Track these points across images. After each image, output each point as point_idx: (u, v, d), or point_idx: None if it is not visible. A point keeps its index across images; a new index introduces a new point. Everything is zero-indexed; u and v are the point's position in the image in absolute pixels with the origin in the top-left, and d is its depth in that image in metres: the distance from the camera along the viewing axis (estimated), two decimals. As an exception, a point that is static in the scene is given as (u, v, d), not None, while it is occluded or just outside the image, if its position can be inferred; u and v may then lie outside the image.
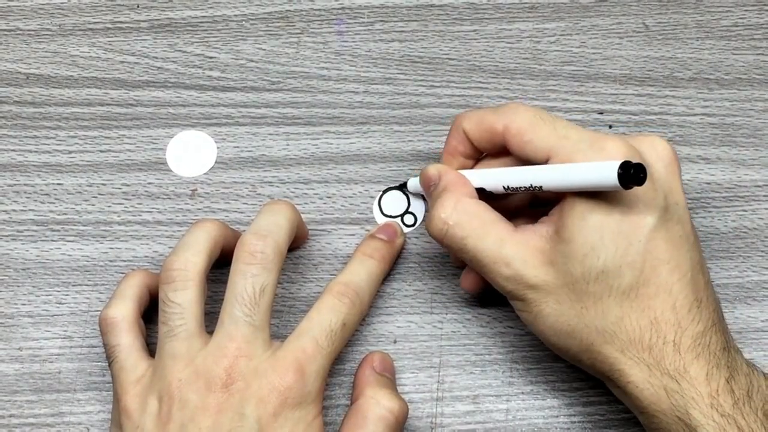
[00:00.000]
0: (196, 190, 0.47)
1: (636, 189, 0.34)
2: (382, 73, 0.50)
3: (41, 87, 0.49)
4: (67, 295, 0.44)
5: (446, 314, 0.44)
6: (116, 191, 0.47)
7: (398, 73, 0.50)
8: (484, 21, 0.51)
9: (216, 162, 0.47)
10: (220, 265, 0.40)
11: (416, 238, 0.45)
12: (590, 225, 0.35)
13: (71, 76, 0.49)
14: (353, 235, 0.45)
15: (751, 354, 0.43)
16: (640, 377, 0.35)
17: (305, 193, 0.47)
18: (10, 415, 0.42)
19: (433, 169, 0.40)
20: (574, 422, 0.42)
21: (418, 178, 0.44)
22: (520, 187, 0.37)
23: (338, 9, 0.51)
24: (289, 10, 0.51)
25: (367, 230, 0.45)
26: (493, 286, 0.38)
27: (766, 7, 0.52)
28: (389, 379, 0.40)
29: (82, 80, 0.49)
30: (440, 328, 0.44)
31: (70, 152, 0.47)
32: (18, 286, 0.44)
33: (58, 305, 0.44)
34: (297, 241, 0.44)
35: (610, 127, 0.48)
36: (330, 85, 0.49)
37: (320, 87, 0.49)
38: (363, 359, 0.41)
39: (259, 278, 0.37)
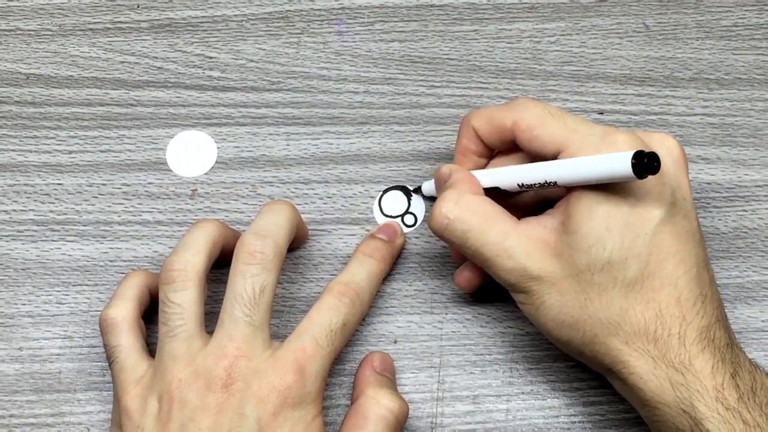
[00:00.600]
0: (196, 190, 0.47)
1: (645, 183, 0.34)
2: (383, 73, 0.50)
3: (41, 87, 0.49)
4: (67, 295, 0.44)
5: (446, 314, 0.44)
6: (116, 191, 0.47)
7: (398, 73, 0.50)
8: (484, 21, 0.51)
9: (216, 162, 0.47)
10: (221, 265, 0.40)
11: (416, 238, 0.45)
12: (598, 216, 0.35)
13: (71, 76, 0.49)
14: (353, 235, 0.45)
15: (751, 354, 0.43)
16: (645, 369, 0.35)
17: (305, 193, 0.47)
18: (11, 415, 0.42)
19: (446, 168, 0.40)
20: (575, 422, 0.42)
21: (432, 181, 0.44)
22: (534, 184, 0.37)
23: (338, 9, 0.51)
24: (290, 10, 0.51)
25: (368, 230, 0.45)
26: (496, 279, 0.38)
27: (766, 7, 0.52)
28: (389, 378, 0.40)
29: (83, 80, 0.49)
30: (440, 328, 0.44)
31: (71, 152, 0.47)
32: (18, 286, 0.44)
33: (58, 305, 0.44)
34: (297, 241, 0.44)
35: (610, 127, 0.48)
36: (330, 85, 0.49)
37: (320, 87, 0.49)
38: (363, 359, 0.41)
39: (259, 278, 0.37)
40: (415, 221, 0.46)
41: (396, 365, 0.42)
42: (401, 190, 0.46)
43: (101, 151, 0.48)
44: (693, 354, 0.34)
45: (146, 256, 0.45)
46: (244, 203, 0.46)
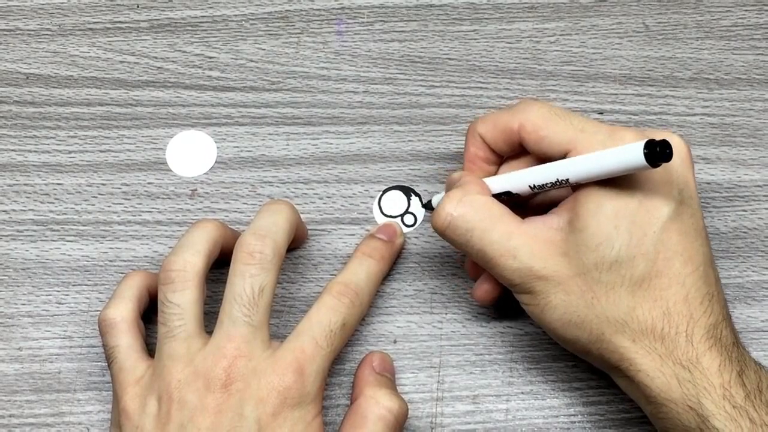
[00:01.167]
0: (196, 190, 0.47)
1: (652, 180, 0.35)
2: (382, 73, 0.50)
3: (41, 87, 0.49)
4: (67, 295, 0.44)
5: (446, 314, 0.44)
6: (116, 191, 0.47)
7: (398, 73, 0.50)
8: (484, 21, 0.51)
9: (216, 162, 0.47)
10: (220, 265, 0.40)
11: (416, 238, 0.45)
12: (606, 214, 0.35)
13: (71, 76, 0.49)
14: (353, 235, 0.45)
15: (751, 354, 0.43)
16: (652, 366, 0.35)
17: (305, 193, 0.47)
18: (10, 415, 0.42)
19: (456, 174, 0.40)
20: (574, 422, 0.42)
21: (440, 195, 0.44)
22: (546, 184, 0.37)
23: (338, 9, 0.51)
24: (289, 10, 0.51)
25: (367, 230, 0.45)
26: (500, 280, 0.38)
27: (766, 7, 0.52)
28: (389, 378, 0.40)
29: (82, 80, 0.49)
30: (440, 328, 0.44)
31: (70, 152, 0.47)
32: (18, 286, 0.44)
33: (57, 305, 0.44)
34: (296, 241, 0.44)
35: (610, 127, 0.48)
36: (330, 85, 0.49)
37: (320, 87, 0.49)
38: (362, 359, 0.41)
39: (258, 278, 0.37)
40: (415, 221, 0.46)
41: (396, 365, 0.42)
42: (401, 190, 0.47)
43: (101, 151, 0.48)
44: (700, 352, 0.34)
45: (146, 256, 0.45)
46: (244, 203, 0.46)
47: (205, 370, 0.36)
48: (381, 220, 0.46)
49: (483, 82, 0.49)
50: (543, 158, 0.38)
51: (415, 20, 0.51)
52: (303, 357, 0.37)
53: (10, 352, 0.43)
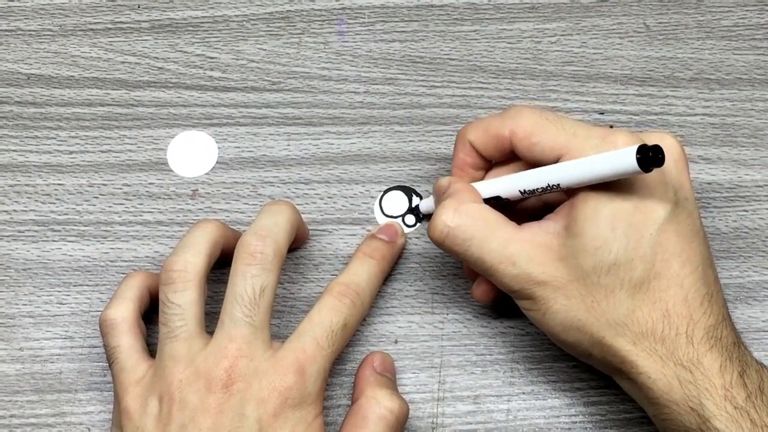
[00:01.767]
0: (197, 190, 0.47)
1: (647, 183, 0.35)
2: (383, 74, 0.50)
3: (42, 87, 0.49)
4: (68, 295, 0.44)
5: (447, 314, 0.44)
6: (117, 191, 0.47)
7: (399, 74, 0.50)
8: (485, 21, 0.51)
9: (217, 162, 0.47)
10: (221, 265, 0.40)
11: (417, 238, 0.45)
12: (602, 218, 0.35)
13: (72, 76, 0.49)
14: (354, 235, 0.45)
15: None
16: (653, 368, 0.35)
17: (306, 194, 0.47)
18: (11, 416, 0.42)
19: (444, 181, 0.40)
20: (575, 422, 0.42)
21: (428, 199, 0.44)
22: (537, 189, 0.37)
23: (339, 9, 0.51)
24: (290, 11, 0.51)
25: (368, 230, 0.45)
26: (500, 287, 0.38)
27: (767, 7, 0.52)
28: (389, 379, 0.40)
29: (83, 80, 0.49)
30: (441, 328, 0.44)
31: (71, 152, 0.47)
32: (19, 287, 0.44)
33: (59, 305, 0.44)
34: (297, 242, 0.44)
35: (611, 127, 0.48)
36: (331, 85, 0.49)
37: (321, 87, 0.49)
38: (363, 359, 0.41)
39: (259, 279, 0.37)
40: (416, 221, 0.46)
41: (397, 365, 0.42)
42: (402, 191, 0.47)
43: (102, 152, 0.48)
44: (701, 353, 0.34)
45: (147, 257, 0.45)
46: (245, 203, 0.46)
47: (207, 370, 0.36)
48: (382, 220, 0.46)
49: (484, 83, 0.49)
50: (535, 164, 0.38)
51: (416, 20, 0.51)
52: (304, 357, 0.37)
53: (11, 352, 0.43)
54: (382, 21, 0.51)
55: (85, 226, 0.46)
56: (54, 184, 0.47)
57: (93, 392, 0.42)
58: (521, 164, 0.39)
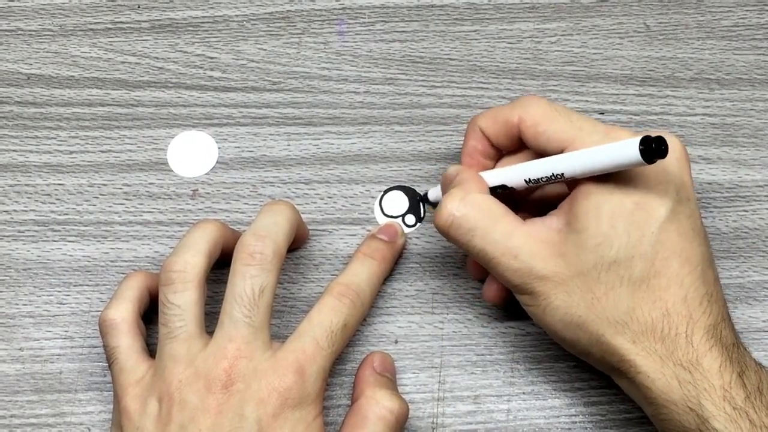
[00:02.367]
0: (197, 190, 0.47)
1: (649, 180, 0.35)
2: (383, 74, 0.50)
3: (42, 87, 0.49)
4: (68, 295, 0.44)
5: (447, 314, 0.44)
6: (117, 191, 0.47)
7: (399, 74, 0.50)
8: (485, 21, 0.51)
9: (217, 162, 0.47)
10: (221, 265, 0.40)
11: (417, 238, 0.45)
12: (604, 215, 0.35)
13: (72, 76, 0.49)
14: (354, 235, 0.45)
15: (752, 354, 0.43)
16: (652, 367, 0.35)
17: (306, 194, 0.47)
18: (12, 416, 0.42)
19: (452, 169, 0.40)
20: (576, 422, 0.42)
21: (436, 188, 0.44)
22: (541, 178, 0.37)
23: (339, 9, 0.51)
24: (290, 11, 0.51)
25: (368, 230, 0.45)
26: (500, 280, 0.38)
27: (767, 7, 0.52)
28: (389, 379, 0.40)
29: (83, 80, 0.49)
30: (441, 328, 0.44)
31: (71, 152, 0.47)
32: (19, 287, 0.44)
33: (59, 305, 0.44)
34: (297, 242, 0.44)
35: (611, 127, 0.48)
36: (331, 85, 0.49)
37: (321, 87, 0.49)
38: (363, 359, 0.41)
39: (258, 279, 0.37)
40: (416, 222, 0.46)
41: (397, 365, 0.42)
42: (402, 191, 0.46)
43: (102, 152, 0.48)
44: (701, 353, 0.34)
45: (147, 257, 0.45)
46: (245, 203, 0.46)
47: (206, 370, 0.36)
48: (382, 220, 0.46)
49: (484, 83, 0.49)
50: (540, 153, 0.38)
51: (416, 20, 0.51)
52: (304, 358, 0.37)
53: (11, 352, 0.43)
54: (383, 21, 0.51)
55: (85, 226, 0.46)
56: (54, 184, 0.47)
57: (93, 392, 0.42)
58: (530, 155, 0.40)
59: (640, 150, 0.32)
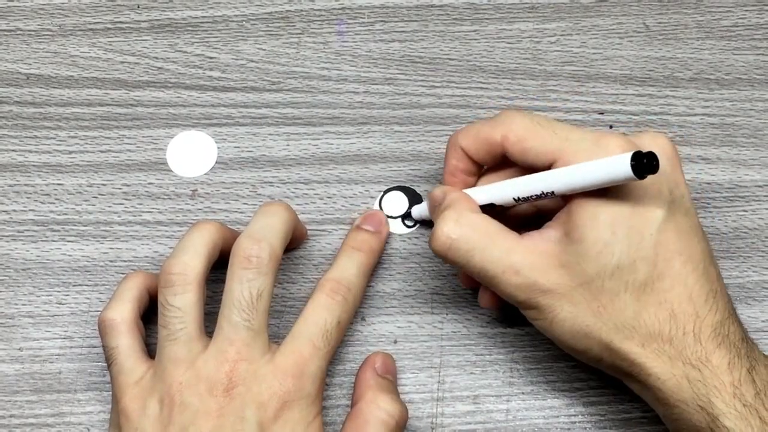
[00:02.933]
0: (196, 190, 0.47)
1: (642, 184, 0.34)
2: (383, 74, 0.50)
3: (41, 87, 0.49)
4: (67, 295, 0.44)
5: (446, 314, 0.44)
6: (117, 191, 0.47)
7: (398, 74, 0.50)
8: (485, 21, 0.51)
9: (216, 162, 0.47)
10: (221, 265, 0.40)
11: (416, 238, 0.45)
12: (602, 222, 0.35)
13: (71, 76, 0.49)
14: (353, 235, 0.45)
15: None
16: (662, 369, 0.35)
17: (305, 194, 0.47)
18: (11, 416, 0.42)
19: (438, 191, 0.40)
20: (575, 422, 0.42)
21: (421, 206, 0.44)
22: (531, 196, 0.37)
23: (338, 9, 0.51)
24: (290, 11, 0.51)
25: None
26: (504, 298, 0.38)
27: (767, 7, 0.52)
28: (390, 381, 0.40)
29: (83, 80, 0.49)
30: (440, 328, 0.44)
31: (71, 152, 0.47)
32: (18, 287, 0.44)
33: (58, 305, 0.44)
34: (295, 241, 0.44)
35: (611, 127, 0.48)
36: (330, 85, 0.49)
37: (320, 87, 0.49)
38: (365, 360, 0.41)
39: (256, 282, 0.37)
40: (415, 222, 0.46)
41: (396, 365, 0.42)
42: (402, 191, 0.46)
43: (101, 152, 0.48)
44: (709, 350, 0.34)
45: (146, 257, 0.45)
46: (244, 203, 0.46)
47: (207, 373, 0.36)
48: (382, 220, 0.46)
49: (483, 83, 0.49)
50: (528, 169, 0.38)
51: (415, 20, 0.51)
52: (302, 360, 0.37)
53: (10, 352, 0.43)
54: (382, 21, 0.51)
55: (85, 226, 0.46)
56: (53, 184, 0.47)
57: (92, 392, 0.42)
58: (514, 169, 0.39)
59: (632, 166, 0.32)
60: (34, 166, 0.47)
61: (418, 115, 0.48)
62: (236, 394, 0.36)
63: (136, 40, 0.50)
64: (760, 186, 0.47)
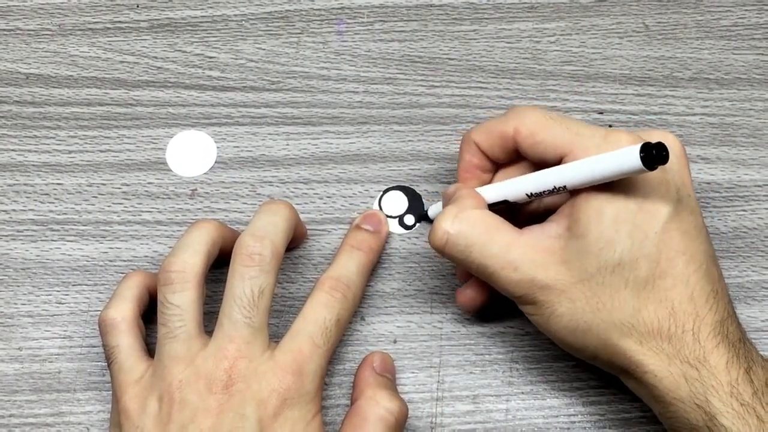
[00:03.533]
0: (196, 189, 0.47)
1: (649, 181, 0.35)
2: (382, 73, 0.50)
3: (41, 87, 0.49)
4: (67, 294, 0.44)
5: (446, 314, 0.44)
6: (116, 191, 0.47)
7: (398, 73, 0.50)
8: (484, 21, 0.51)
9: (216, 162, 0.47)
10: (220, 264, 0.40)
11: (416, 238, 0.45)
12: (606, 218, 0.35)
13: (71, 75, 0.49)
14: (353, 235, 0.45)
15: (750, 354, 0.43)
16: (660, 366, 0.35)
17: (305, 193, 0.47)
18: (10, 415, 0.42)
19: (452, 188, 0.40)
20: (574, 422, 0.42)
21: (437, 205, 0.44)
22: (543, 191, 0.37)
23: (338, 9, 0.51)
24: (289, 10, 0.51)
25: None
26: (503, 293, 0.38)
27: (766, 6, 0.52)
28: (389, 379, 0.40)
29: (82, 80, 0.49)
30: (440, 327, 0.44)
31: (70, 152, 0.47)
32: (18, 286, 0.44)
33: (58, 305, 0.44)
34: (296, 241, 0.44)
35: (610, 126, 0.48)
36: (330, 84, 0.49)
37: (320, 87, 0.49)
38: (363, 359, 0.41)
39: (257, 280, 0.37)
40: (415, 222, 0.46)
41: (396, 365, 0.42)
42: (401, 190, 0.46)
43: (101, 151, 0.48)
44: (708, 350, 0.34)
45: (146, 256, 0.45)
46: (244, 203, 0.46)
47: (207, 371, 0.36)
48: (381, 219, 0.46)
49: (483, 82, 0.49)
50: (539, 163, 0.38)
51: (415, 20, 0.51)
52: (301, 358, 0.37)
53: (10, 351, 0.43)
54: (381, 21, 0.51)
55: (84, 225, 0.46)
56: (53, 183, 0.47)
57: (92, 392, 0.42)
58: (527, 165, 0.39)
59: (641, 157, 0.32)
60: (33, 165, 0.47)
61: (418, 115, 0.48)
62: (236, 392, 0.36)
63: (136, 39, 0.50)
64: (759, 186, 0.47)
